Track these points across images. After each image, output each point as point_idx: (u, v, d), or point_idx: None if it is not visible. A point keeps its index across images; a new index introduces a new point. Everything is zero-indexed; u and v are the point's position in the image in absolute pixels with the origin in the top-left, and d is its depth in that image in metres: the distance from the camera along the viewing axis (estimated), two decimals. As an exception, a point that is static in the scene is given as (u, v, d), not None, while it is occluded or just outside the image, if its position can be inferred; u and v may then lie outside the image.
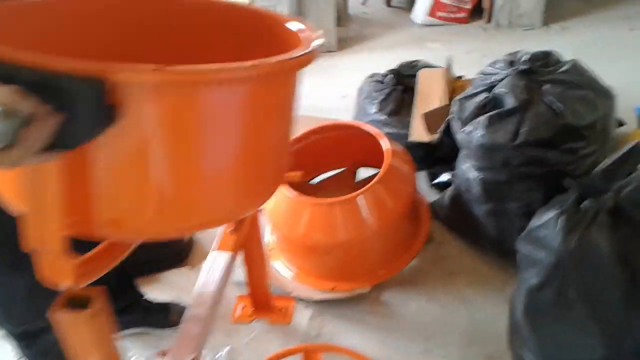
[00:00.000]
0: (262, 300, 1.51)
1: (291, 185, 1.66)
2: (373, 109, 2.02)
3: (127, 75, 0.52)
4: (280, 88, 0.71)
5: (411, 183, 1.58)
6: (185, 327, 0.99)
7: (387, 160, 1.51)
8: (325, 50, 3.30)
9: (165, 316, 1.47)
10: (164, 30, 0.90)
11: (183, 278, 1.66)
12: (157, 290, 1.61)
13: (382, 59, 2.72)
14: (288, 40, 0.80)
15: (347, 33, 3.53)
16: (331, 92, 2.72)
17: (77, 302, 0.64)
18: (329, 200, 1.47)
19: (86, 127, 0.52)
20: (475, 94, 1.56)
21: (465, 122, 1.53)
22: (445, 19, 3.57)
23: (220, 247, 1.16)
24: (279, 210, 1.55)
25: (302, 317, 1.53)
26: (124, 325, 1.47)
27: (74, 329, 0.66)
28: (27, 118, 0.47)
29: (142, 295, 1.49)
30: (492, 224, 1.55)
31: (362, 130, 1.67)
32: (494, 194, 1.51)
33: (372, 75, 2.16)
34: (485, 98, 1.52)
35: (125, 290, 1.45)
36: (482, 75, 1.63)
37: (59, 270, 0.64)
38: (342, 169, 1.89)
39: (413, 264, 1.63)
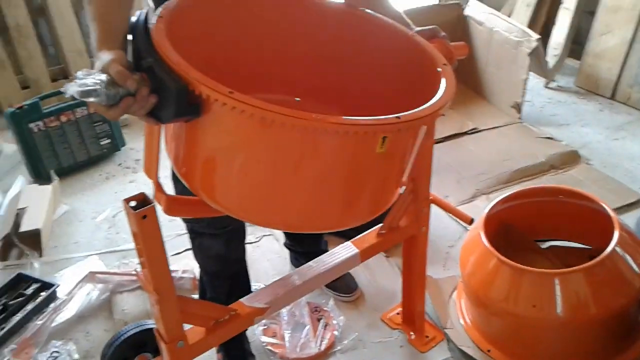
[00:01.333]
0: (412, 315, 1.49)
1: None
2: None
3: (203, 89, 0.65)
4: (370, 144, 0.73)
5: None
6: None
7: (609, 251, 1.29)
8: None
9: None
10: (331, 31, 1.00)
11: (374, 258, 1.75)
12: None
13: None
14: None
15: None
16: None
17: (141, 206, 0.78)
18: (519, 265, 1.32)
19: (172, 111, 0.69)
20: None
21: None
22: None
23: (354, 242, 1.19)
24: (467, 250, 1.50)
25: (438, 355, 1.46)
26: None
27: (131, 221, 0.80)
28: (132, 91, 0.68)
29: (324, 250, 1.66)
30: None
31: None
32: None
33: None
34: None
35: (309, 240, 1.64)
36: None
37: (158, 198, 0.85)
38: (583, 246, 1.62)
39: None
